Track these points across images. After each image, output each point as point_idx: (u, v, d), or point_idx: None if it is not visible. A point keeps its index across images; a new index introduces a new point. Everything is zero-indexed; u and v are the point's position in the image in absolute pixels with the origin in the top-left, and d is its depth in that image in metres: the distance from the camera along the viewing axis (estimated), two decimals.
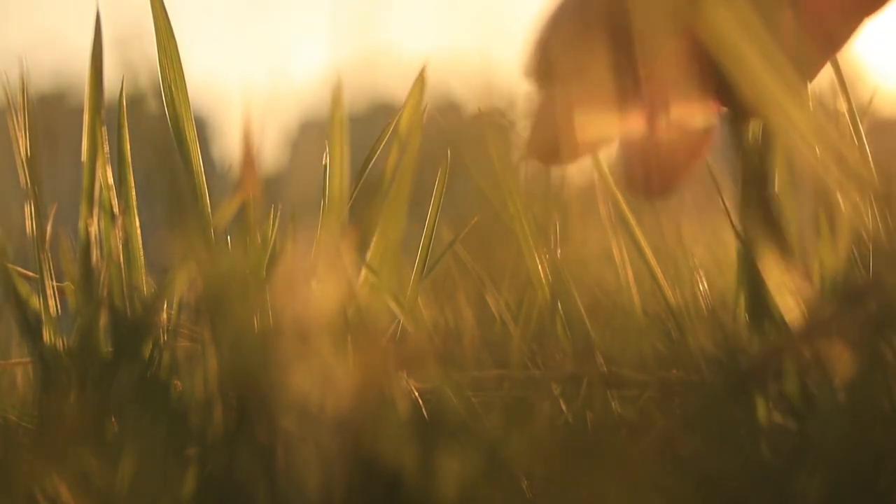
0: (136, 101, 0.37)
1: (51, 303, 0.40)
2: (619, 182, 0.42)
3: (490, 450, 0.31)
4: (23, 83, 0.42)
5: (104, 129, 0.41)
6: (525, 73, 0.40)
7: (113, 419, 0.36)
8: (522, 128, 0.40)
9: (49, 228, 0.41)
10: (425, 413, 0.35)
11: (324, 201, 0.42)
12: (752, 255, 0.37)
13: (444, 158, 0.45)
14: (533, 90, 0.41)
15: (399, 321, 0.41)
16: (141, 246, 0.41)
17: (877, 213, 0.37)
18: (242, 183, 0.38)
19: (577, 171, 0.45)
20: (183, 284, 0.38)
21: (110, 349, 0.38)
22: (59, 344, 0.39)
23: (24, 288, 0.40)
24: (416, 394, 0.35)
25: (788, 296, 0.35)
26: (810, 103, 0.38)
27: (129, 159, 0.41)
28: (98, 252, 0.40)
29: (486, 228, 0.48)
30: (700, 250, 0.42)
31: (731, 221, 0.40)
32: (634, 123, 0.39)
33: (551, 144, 0.40)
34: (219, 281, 0.33)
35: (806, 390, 0.34)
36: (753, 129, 0.40)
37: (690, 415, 0.32)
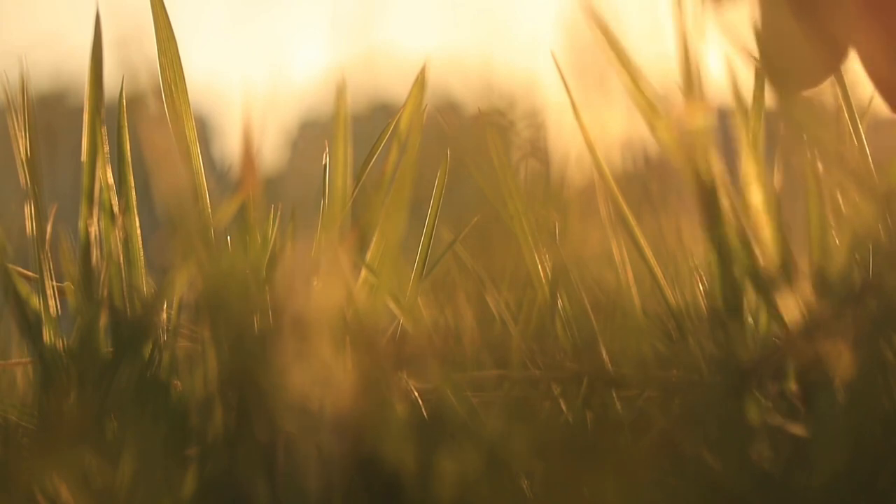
0: (135, 101, 0.37)
1: (51, 303, 0.40)
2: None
3: (490, 450, 0.31)
4: (23, 83, 0.42)
5: (104, 129, 0.41)
6: None
7: (113, 419, 0.36)
8: (756, 51, 0.39)
9: (49, 228, 0.41)
10: (425, 413, 0.35)
11: (324, 201, 0.42)
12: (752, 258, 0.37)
13: (444, 158, 0.45)
14: (765, 12, 0.40)
15: (399, 321, 0.41)
16: (141, 246, 0.41)
17: (877, 213, 0.37)
18: (242, 183, 0.38)
19: (577, 171, 0.45)
20: (183, 284, 0.38)
21: (110, 349, 0.38)
22: (59, 344, 0.39)
23: (24, 288, 0.40)
24: (416, 394, 0.35)
25: (789, 296, 0.35)
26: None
27: (129, 159, 0.41)
28: (98, 252, 0.40)
29: (486, 228, 0.48)
30: (700, 250, 0.42)
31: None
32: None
33: (797, 68, 0.39)
34: (219, 281, 0.33)
35: (806, 390, 0.34)
36: None
37: (691, 415, 0.32)
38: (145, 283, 0.41)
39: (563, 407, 0.38)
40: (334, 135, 0.41)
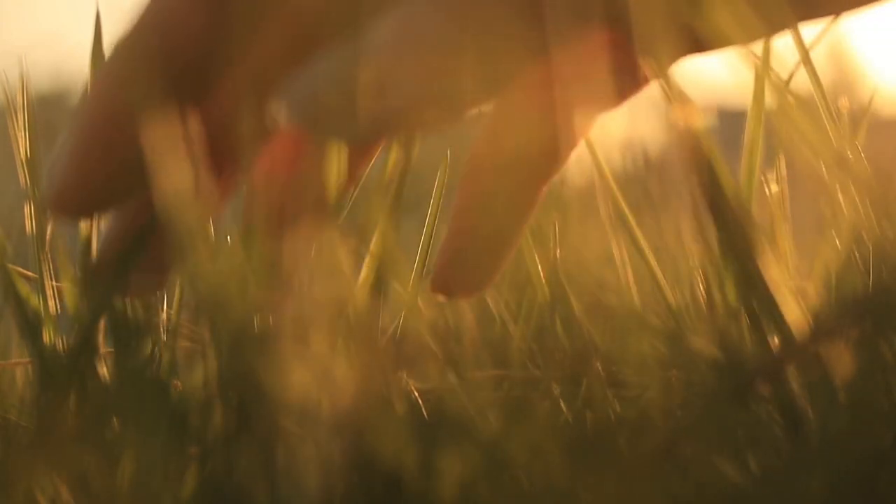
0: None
1: (51, 303, 0.40)
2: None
3: (490, 450, 0.31)
4: (23, 83, 0.42)
5: None
6: None
7: (112, 419, 0.36)
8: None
9: (49, 228, 0.41)
10: (425, 413, 0.35)
11: None
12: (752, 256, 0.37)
13: (444, 158, 0.45)
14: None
15: (399, 321, 0.41)
16: None
17: (876, 215, 0.37)
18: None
19: (577, 171, 0.45)
20: (183, 284, 0.38)
21: (110, 349, 0.38)
22: (59, 344, 0.39)
23: (24, 288, 0.40)
24: (416, 394, 0.35)
25: (789, 297, 0.35)
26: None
27: None
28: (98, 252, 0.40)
29: None
30: (700, 250, 0.42)
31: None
32: None
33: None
34: (219, 281, 0.33)
35: (807, 391, 0.34)
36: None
37: (692, 417, 0.32)
38: None
39: (563, 407, 0.38)
40: None
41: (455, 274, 0.41)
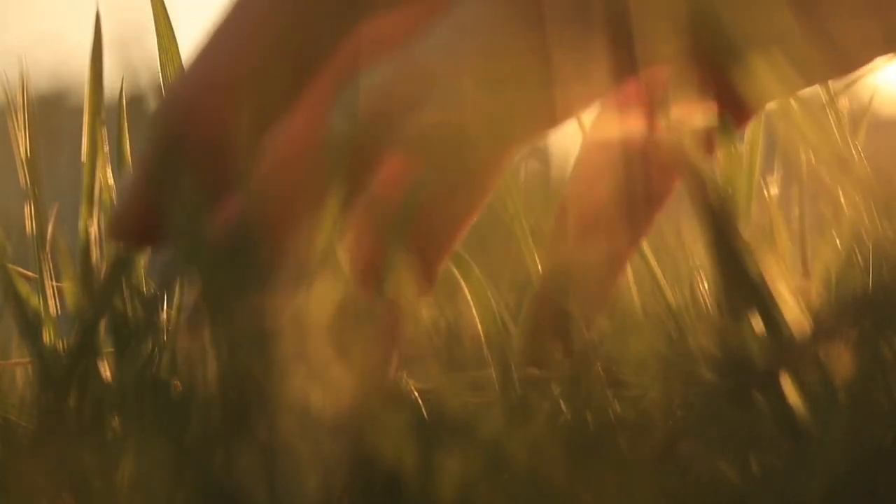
0: (136, 101, 0.37)
1: (51, 303, 0.40)
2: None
3: (490, 450, 0.31)
4: (23, 83, 0.42)
5: (104, 129, 0.41)
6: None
7: (112, 419, 0.36)
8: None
9: (49, 228, 0.41)
10: (425, 413, 0.35)
11: None
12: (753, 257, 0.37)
13: None
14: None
15: (399, 321, 0.41)
16: None
17: (876, 214, 0.37)
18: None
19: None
20: (183, 284, 0.38)
21: (110, 349, 0.38)
22: (59, 344, 0.39)
23: (24, 288, 0.40)
24: (416, 394, 0.35)
25: (789, 297, 0.35)
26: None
27: (130, 159, 0.41)
28: (98, 252, 0.40)
29: (486, 228, 0.48)
30: (700, 250, 0.42)
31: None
32: None
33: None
34: (219, 280, 0.33)
35: (807, 392, 0.34)
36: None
37: (692, 417, 0.32)
38: (145, 283, 0.41)
39: (563, 407, 0.38)
40: None
41: (548, 346, 0.40)
